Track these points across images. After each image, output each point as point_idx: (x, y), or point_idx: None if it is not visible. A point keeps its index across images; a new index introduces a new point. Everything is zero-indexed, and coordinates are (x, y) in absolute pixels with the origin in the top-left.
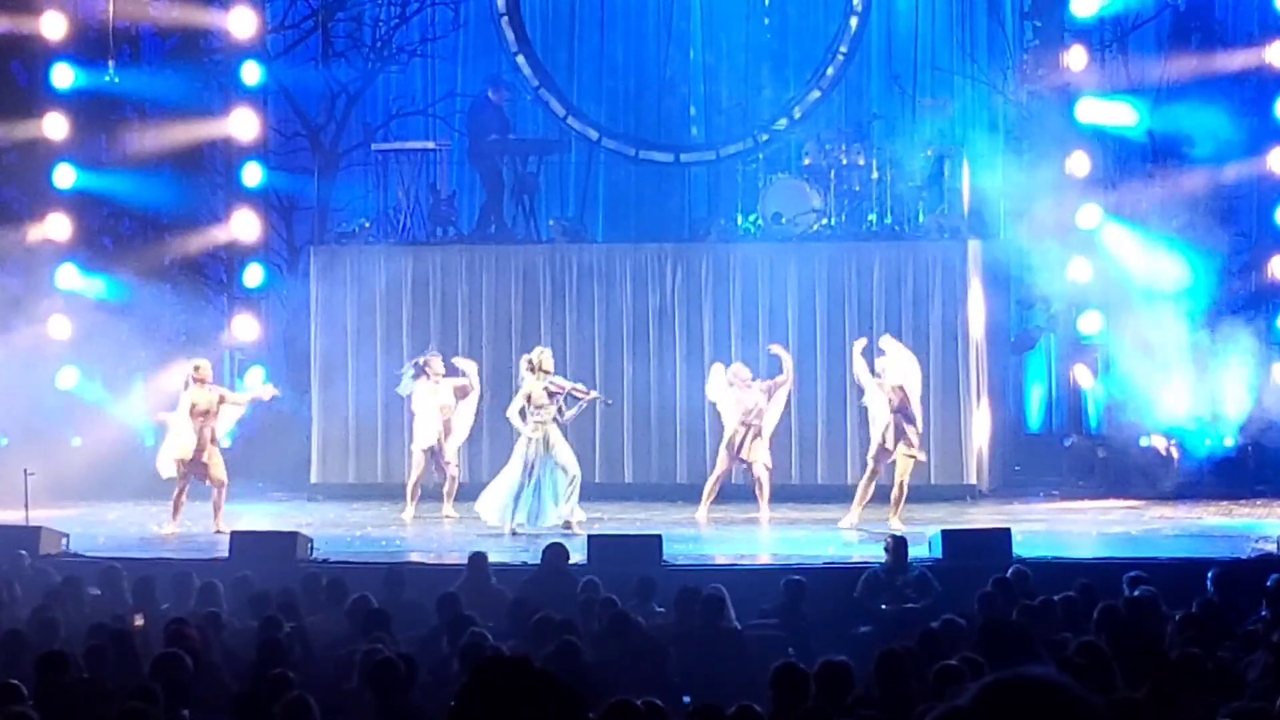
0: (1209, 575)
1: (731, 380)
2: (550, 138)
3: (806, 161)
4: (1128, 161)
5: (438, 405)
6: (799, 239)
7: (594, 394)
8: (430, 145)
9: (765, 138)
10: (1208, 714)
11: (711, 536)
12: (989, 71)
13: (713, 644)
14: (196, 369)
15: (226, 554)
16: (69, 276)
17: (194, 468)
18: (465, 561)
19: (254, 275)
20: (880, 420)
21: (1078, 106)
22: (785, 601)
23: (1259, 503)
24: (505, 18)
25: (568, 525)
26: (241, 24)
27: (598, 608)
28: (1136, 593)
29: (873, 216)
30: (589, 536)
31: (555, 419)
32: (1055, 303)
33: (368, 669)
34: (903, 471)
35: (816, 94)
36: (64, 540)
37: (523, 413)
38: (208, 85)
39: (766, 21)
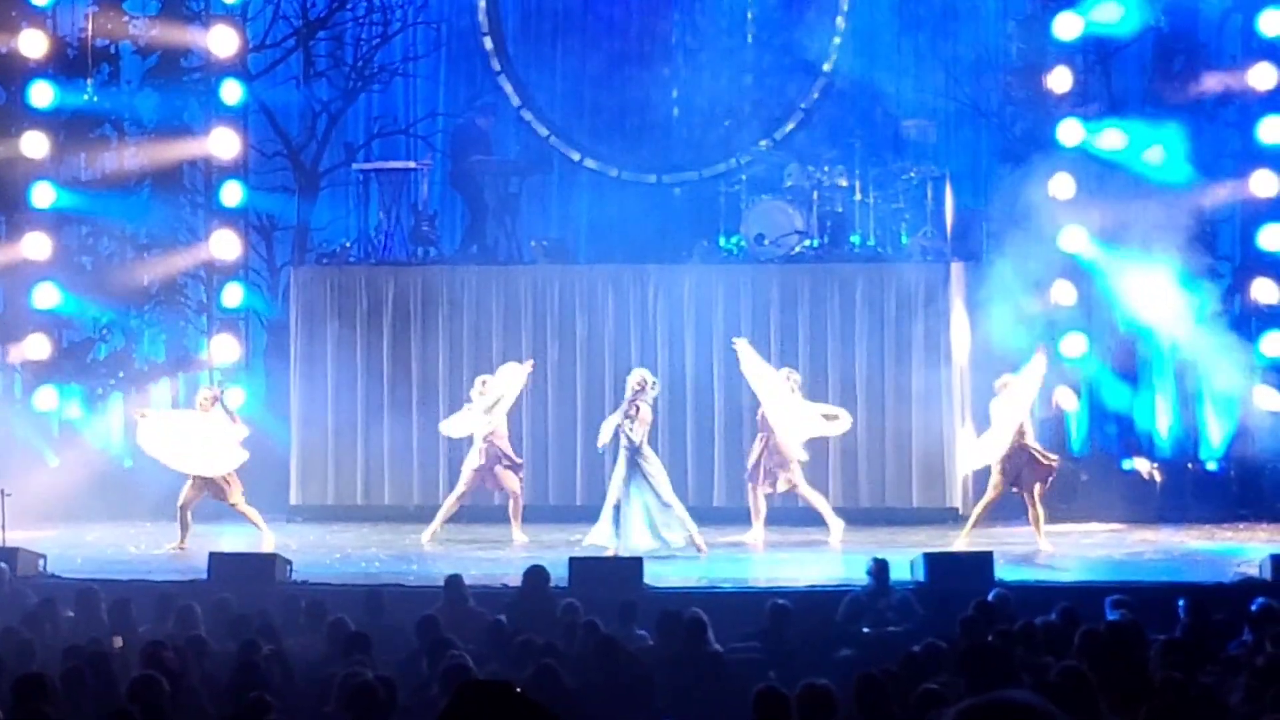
0: (1179, 601)
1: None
2: (532, 158)
3: (789, 183)
4: (1111, 184)
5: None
6: (781, 260)
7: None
8: (412, 165)
9: (748, 159)
10: None
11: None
12: (972, 93)
13: (695, 668)
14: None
15: (205, 575)
16: (47, 296)
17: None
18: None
19: (233, 295)
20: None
21: (1060, 128)
22: (768, 625)
23: (1241, 526)
24: (487, 37)
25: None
26: (222, 43)
27: (580, 631)
28: (1118, 616)
29: (855, 238)
30: (570, 559)
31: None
32: (1038, 325)
33: (347, 692)
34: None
35: (799, 115)
36: (41, 561)
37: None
38: (188, 104)
39: (749, 41)
